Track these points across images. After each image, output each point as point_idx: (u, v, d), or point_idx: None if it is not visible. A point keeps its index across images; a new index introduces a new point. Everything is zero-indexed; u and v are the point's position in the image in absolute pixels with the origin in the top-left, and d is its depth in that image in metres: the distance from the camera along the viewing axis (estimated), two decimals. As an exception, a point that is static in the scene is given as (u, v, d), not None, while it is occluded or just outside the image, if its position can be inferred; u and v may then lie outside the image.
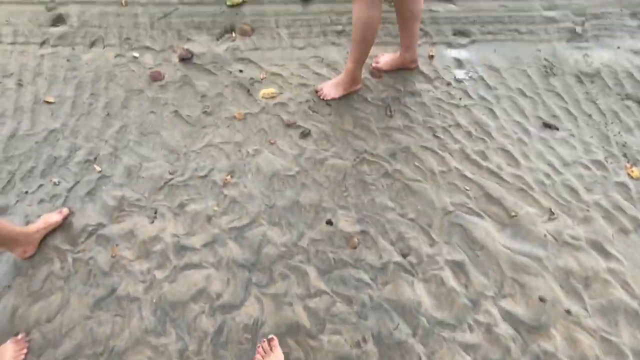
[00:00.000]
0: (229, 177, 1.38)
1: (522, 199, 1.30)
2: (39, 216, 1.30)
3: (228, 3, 1.75)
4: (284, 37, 1.70)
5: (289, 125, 1.49)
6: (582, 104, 1.55)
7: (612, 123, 1.50)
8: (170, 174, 1.39)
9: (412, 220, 1.26)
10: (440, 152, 1.40)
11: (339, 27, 1.71)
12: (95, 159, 1.44)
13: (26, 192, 1.38)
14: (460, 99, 1.54)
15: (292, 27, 1.73)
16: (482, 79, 1.59)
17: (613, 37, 1.73)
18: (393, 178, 1.35)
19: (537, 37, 1.71)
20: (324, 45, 1.68)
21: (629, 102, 1.56)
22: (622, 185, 1.34)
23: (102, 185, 1.38)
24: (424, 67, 1.62)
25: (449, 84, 1.58)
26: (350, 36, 1.70)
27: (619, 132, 1.48)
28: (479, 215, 1.27)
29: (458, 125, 1.47)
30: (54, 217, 1.29)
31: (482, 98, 1.54)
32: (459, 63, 1.63)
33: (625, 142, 1.45)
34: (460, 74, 1.61)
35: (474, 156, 1.40)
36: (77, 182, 1.39)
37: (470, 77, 1.60)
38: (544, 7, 1.77)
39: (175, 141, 1.47)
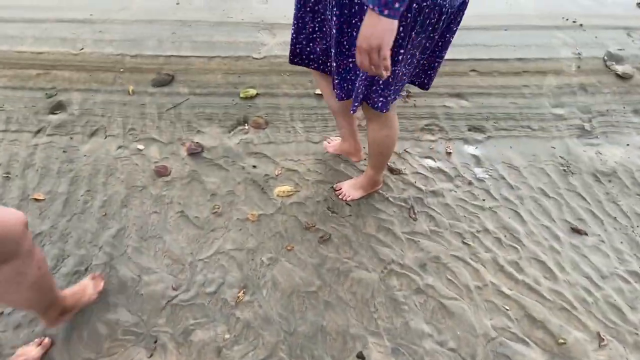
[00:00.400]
0: (241, 293, 1.27)
1: (566, 321, 1.24)
2: (13, 348, 1.13)
3: (241, 95, 1.78)
4: (299, 130, 1.71)
5: (307, 229, 1.43)
6: (604, 205, 1.58)
7: (637, 226, 1.52)
8: (174, 289, 1.27)
9: (453, 350, 1.16)
10: (472, 262, 1.36)
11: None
12: (87, 269, 1.31)
13: (1, 313, 1.21)
14: (484, 200, 1.54)
15: (307, 120, 1.75)
16: (503, 177, 1.62)
17: (621, 134, 1.84)
18: (426, 295, 1.28)
19: (550, 133, 1.80)
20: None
21: (649, 203, 1.60)
22: (665, 301, 1.31)
23: (93, 305, 1.23)
24: (443, 164, 1.64)
25: (470, 183, 1.59)
26: (365, 131, 1.73)
27: (647, 237, 1.49)
28: (524, 342, 1.19)
29: (486, 230, 1.45)
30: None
31: (506, 199, 1.55)
32: (477, 160, 1.67)
33: (656, 249, 1.46)
34: (480, 172, 1.63)
35: (508, 268, 1.35)
36: (62, 301, 1.24)
37: (490, 175, 1.62)
38: (551, 105, 1.89)
39: (180, 248, 1.37)
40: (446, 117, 1.81)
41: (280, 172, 1.58)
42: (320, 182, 1.57)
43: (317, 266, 1.34)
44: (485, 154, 1.71)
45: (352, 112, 1.03)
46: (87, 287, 1.23)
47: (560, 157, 1.73)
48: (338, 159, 1.65)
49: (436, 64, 1.05)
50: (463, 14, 0.94)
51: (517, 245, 1.43)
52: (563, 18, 2.22)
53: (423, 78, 1.10)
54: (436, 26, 0.85)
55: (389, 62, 0.78)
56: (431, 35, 0.88)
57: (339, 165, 1.63)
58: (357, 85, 0.98)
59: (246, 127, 1.73)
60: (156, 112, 1.74)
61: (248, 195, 1.51)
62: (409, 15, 0.81)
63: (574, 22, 2.20)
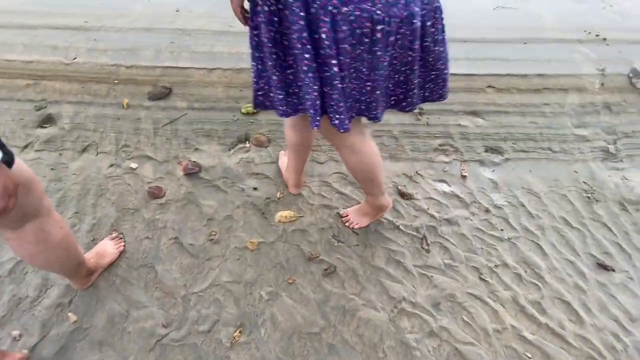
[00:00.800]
0: (237, 333, 1.18)
1: (595, 372, 1.14)
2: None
3: (243, 110, 1.70)
4: (303, 150, 1.62)
5: (311, 259, 1.34)
6: (632, 237, 1.48)
7: (669, 262, 1.42)
8: (165, 326, 1.18)
9: (469, 405, 1.06)
10: (491, 302, 1.26)
11: (363, 140, 1.66)
12: (71, 302, 1.22)
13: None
14: (502, 230, 1.45)
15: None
16: (523, 205, 1.52)
17: (647, 158, 1.74)
18: (440, 339, 1.18)
19: (572, 156, 1.70)
20: (347, 159, 1.61)
21: (681, 236, 1.50)
22: (703, 351, 1.21)
23: (76, 342, 1.15)
24: (457, 189, 1.55)
25: (487, 210, 1.50)
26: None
27: (680, 274, 1.39)
28: (548, 396, 1.09)
29: (505, 265, 1.35)
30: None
31: (526, 229, 1.45)
32: (495, 185, 1.57)
33: (690, 288, 1.36)
34: (497, 198, 1.54)
35: (530, 308, 1.26)
36: (44, 337, 1.15)
37: (509, 202, 1.53)
38: (574, 125, 1.80)
39: (173, 279, 1.28)
40: (461, 137, 1.72)
41: (282, 195, 1.50)
42: (325, 207, 1.48)
43: (321, 303, 1.25)
44: (503, 177, 1.62)
45: (314, 127, 0.93)
46: (107, 247, 1.30)
47: (583, 182, 1.63)
48: (345, 181, 1.57)
49: (411, 85, 0.94)
50: (436, 31, 0.86)
51: (539, 283, 1.33)
52: (585, 31, 2.12)
53: (401, 99, 0.99)
54: (374, 39, 0.79)
55: (239, 15, 0.92)
56: (373, 49, 0.81)
57: (345, 187, 1.54)
58: (310, 96, 0.90)
59: (247, 145, 1.64)
60: (151, 127, 1.66)
61: (247, 221, 1.43)
62: (327, 19, 0.78)
63: (597, 35, 2.10)
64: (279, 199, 1.49)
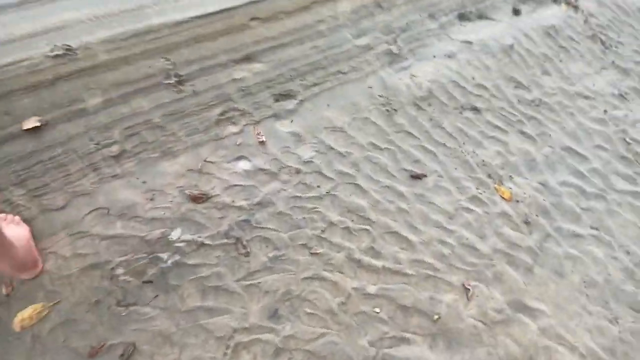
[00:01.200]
0: None
1: (434, 289, 1.16)
2: None
3: None
4: (21, 201, 1.07)
5: (95, 354, 0.94)
6: (432, 134, 1.51)
7: (464, 144, 1.52)
8: None
9: (337, 406, 0.95)
10: (328, 275, 1.13)
11: (114, 148, 1.18)
12: None
13: None
14: (318, 186, 1.28)
15: (30, 179, 1.10)
16: (331, 147, 1.37)
17: (425, 46, 1.76)
18: (289, 351, 1.01)
19: (362, 71, 1.59)
20: (102, 184, 1.14)
21: (467, 114, 1.61)
22: (503, 215, 1.35)
23: None
24: (260, 161, 1.28)
25: (298, 171, 1.29)
26: (136, 157, 1.20)
27: (474, 151, 1.51)
28: (404, 340, 1.06)
29: (332, 224, 1.22)
30: None
31: (341, 173, 1.33)
32: (298, 137, 1.36)
33: (483, 161, 1.49)
34: (305, 151, 1.34)
35: (366, 258, 1.17)
36: None
37: (317, 151, 1.35)
38: (354, 36, 1.66)
39: None
40: (243, 94, 1.40)
41: (10, 288, 0.98)
42: (92, 268, 1.04)
43: (130, 403, 0.92)
44: (304, 124, 1.41)
45: None
46: None
47: (379, 96, 1.56)
48: (110, 217, 1.12)
49: None
50: None
51: (367, 226, 1.25)
52: None
53: None
54: None
55: None
56: None
57: (114, 227, 1.10)
58: None
59: None
60: None
61: (-33, 355, 0.91)
62: None
63: None
64: (7, 296, 0.98)
